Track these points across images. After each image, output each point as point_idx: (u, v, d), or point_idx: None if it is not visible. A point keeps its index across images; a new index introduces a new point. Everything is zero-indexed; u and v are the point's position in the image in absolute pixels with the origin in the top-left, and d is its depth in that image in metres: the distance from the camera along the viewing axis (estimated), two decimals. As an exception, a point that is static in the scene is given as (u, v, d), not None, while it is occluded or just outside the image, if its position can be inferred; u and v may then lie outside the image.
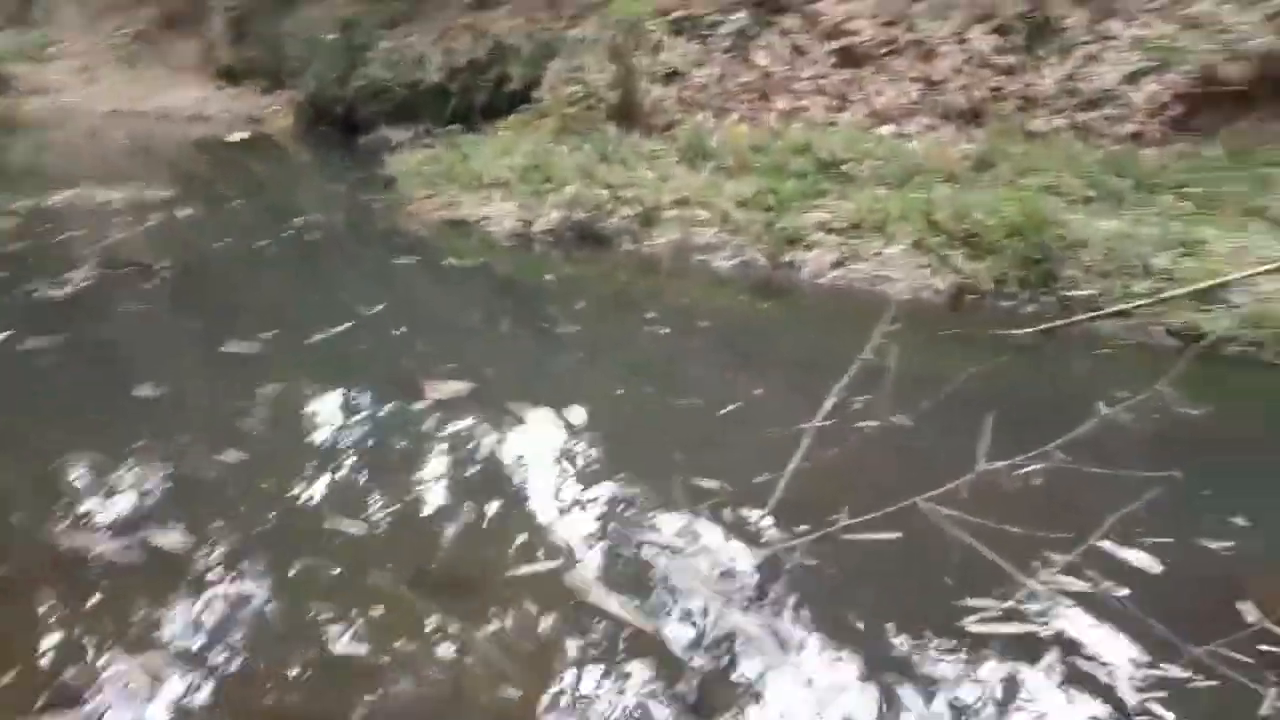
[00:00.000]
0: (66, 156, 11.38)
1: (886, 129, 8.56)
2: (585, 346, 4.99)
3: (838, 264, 6.22)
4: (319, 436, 3.68)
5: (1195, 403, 3.31)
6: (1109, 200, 6.60)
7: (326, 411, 3.89)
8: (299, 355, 4.43)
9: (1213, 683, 2.39)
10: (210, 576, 2.75)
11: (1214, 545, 2.99)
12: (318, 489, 3.28)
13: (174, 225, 7.28)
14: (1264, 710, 2.30)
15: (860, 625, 2.65)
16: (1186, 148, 7.32)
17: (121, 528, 2.99)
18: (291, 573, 2.80)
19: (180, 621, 2.56)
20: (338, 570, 2.82)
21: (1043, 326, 5.19)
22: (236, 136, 11.43)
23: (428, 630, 2.56)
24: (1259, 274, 5.30)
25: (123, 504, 3.14)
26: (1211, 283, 5.29)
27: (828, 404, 3.43)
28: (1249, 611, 2.66)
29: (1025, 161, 7.24)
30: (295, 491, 3.25)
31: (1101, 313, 5.34)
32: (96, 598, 2.65)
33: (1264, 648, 2.51)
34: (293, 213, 7.65)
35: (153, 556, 2.84)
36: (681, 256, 6.55)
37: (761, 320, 5.62)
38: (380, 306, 5.17)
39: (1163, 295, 5.30)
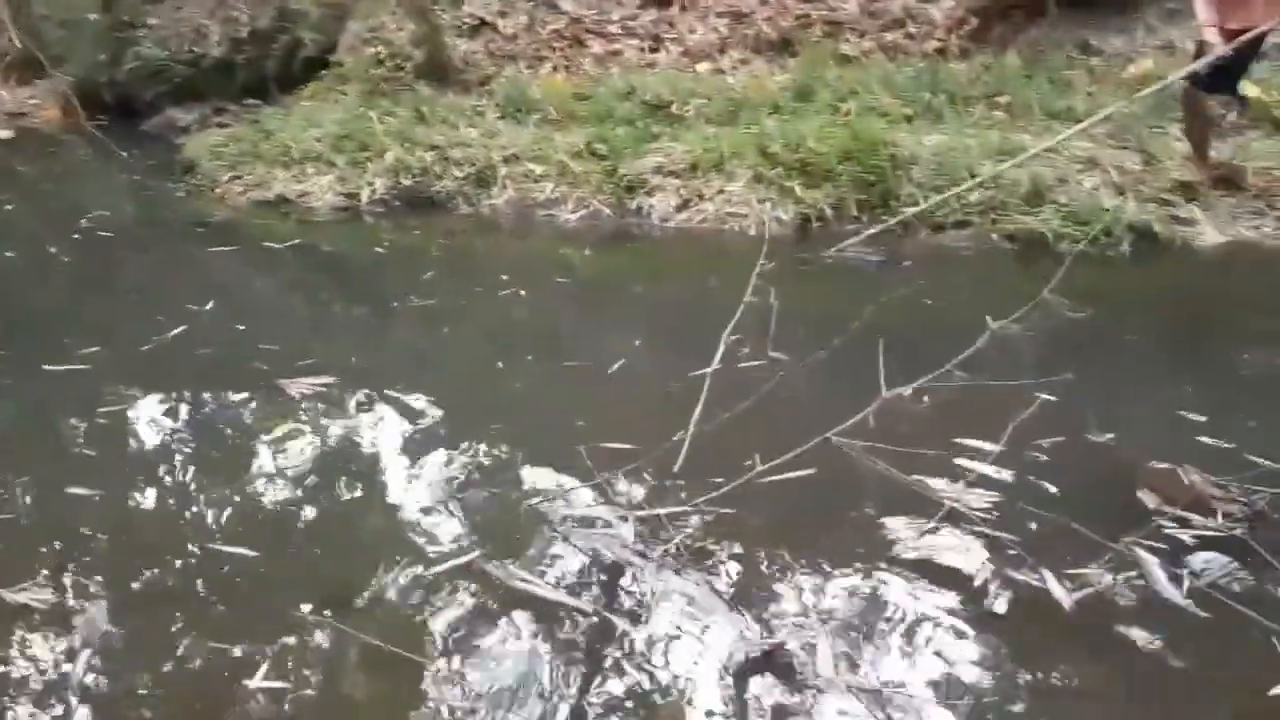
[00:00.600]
0: None
1: (703, 66, 8.56)
2: (444, 318, 4.73)
3: (683, 206, 6.18)
4: (178, 456, 3.32)
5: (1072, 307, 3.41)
6: (928, 116, 6.84)
7: (180, 427, 3.52)
8: (134, 368, 3.96)
9: (1134, 573, 2.50)
10: (91, 630, 2.41)
11: (1102, 440, 3.14)
12: (189, 514, 2.96)
13: (-58, 240, 6.44)
14: (1185, 590, 2.43)
15: (793, 566, 2.62)
16: (988, 59, 7.66)
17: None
18: (186, 610, 2.50)
19: (66, 687, 2.25)
20: (234, 600, 2.55)
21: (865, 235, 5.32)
22: (1, 135, 10.23)
23: (351, 650, 2.34)
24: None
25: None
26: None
27: (719, 350, 3.36)
28: (1148, 499, 2.80)
29: (842, 86, 7.39)
30: (164, 520, 2.92)
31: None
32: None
33: (1169, 531, 2.65)
34: (82, 212, 6.90)
35: (13, 617, 2.48)
36: (524, 214, 6.34)
37: (619, 272, 5.52)
38: (210, 303, 4.72)
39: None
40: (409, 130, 7.37)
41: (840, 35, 8.44)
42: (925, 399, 3.26)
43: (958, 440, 3.07)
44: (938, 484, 2.88)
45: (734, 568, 2.62)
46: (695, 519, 2.80)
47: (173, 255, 6.16)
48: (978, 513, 2.74)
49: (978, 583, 2.50)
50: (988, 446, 2.98)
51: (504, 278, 5.17)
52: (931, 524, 2.72)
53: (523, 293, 4.97)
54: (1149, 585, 2.46)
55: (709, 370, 3.31)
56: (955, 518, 2.74)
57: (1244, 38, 4.90)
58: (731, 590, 2.54)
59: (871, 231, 5.37)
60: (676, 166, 6.44)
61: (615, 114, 7.30)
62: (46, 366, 3.95)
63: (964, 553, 2.61)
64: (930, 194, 5.75)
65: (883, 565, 2.59)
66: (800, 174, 6.11)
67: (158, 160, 8.59)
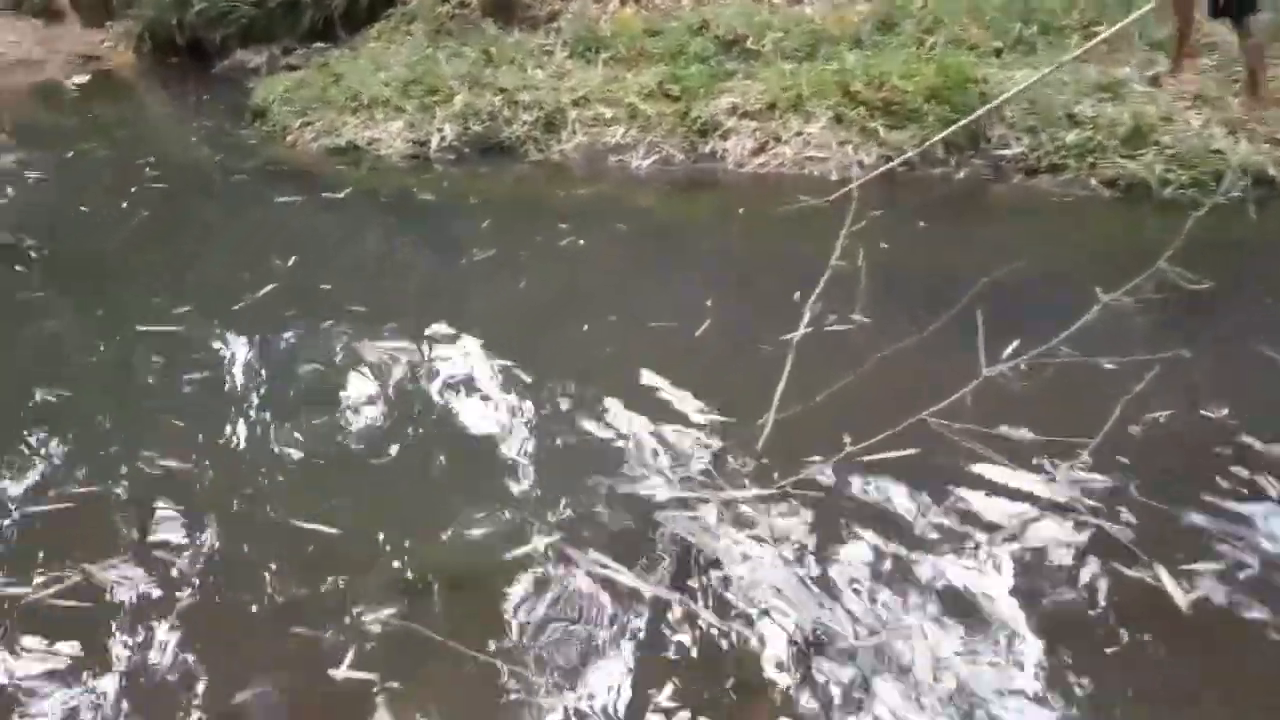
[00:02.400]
0: None
1: (779, -5, 8.20)
2: (525, 272, 4.60)
3: (759, 149, 5.97)
4: (266, 426, 3.30)
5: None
6: (1019, 49, 6.48)
7: (269, 395, 3.52)
8: (226, 330, 3.95)
9: (1255, 566, 2.35)
10: (177, 612, 2.43)
11: (1218, 416, 2.94)
12: (279, 489, 2.95)
13: (27, 191, 6.53)
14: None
15: (886, 555, 2.51)
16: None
17: (50, 569, 2.58)
18: (268, 591, 2.51)
19: (151, 667, 2.26)
20: (318, 584, 2.53)
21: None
22: (77, 80, 10.31)
23: (434, 644, 2.30)
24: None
25: (43, 543, 2.73)
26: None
27: (805, 316, 3.22)
28: (1270, 486, 2.62)
29: (927, 16, 7.03)
30: (252, 494, 2.91)
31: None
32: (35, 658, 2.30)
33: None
34: (161, 160, 6.93)
35: (103, 593, 2.50)
36: (595, 160, 6.19)
37: (696, 222, 5.37)
38: (293, 258, 4.70)
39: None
40: (476, 73, 7.23)
41: (923, -41, 8.00)
42: (1026, 370, 3.09)
43: (1063, 419, 2.90)
44: (1041, 470, 2.73)
45: (822, 555, 2.53)
46: (787, 502, 2.70)
47: (252, 205, 6.16)
48: (1085, 500, 2.60)
49: (1085, 579, 2.37)
50: (1095, 427, 2.80)
51: (574, 225, 5.03)
52: (1035, 512, 2.58)
53: (602, 244, 4.85)
54: (1272, 579, 2.31)
55: (795, 336, 3.17)
56: (1060, 506, 2.60)
57: None
58: (819, 580, 2.44)
59: (883, 169, 5.03)
60: (752, 107, 6.20)
61: (688, 50, 7.05)
62: (140, 328, 3.97)
63: (1070, 546, 2.48)
64: (1023, 135, 5.46)
65: (983, 558, 2.47)
66: (884, 114, 5.84)
67: (229, 104, 8.59)
